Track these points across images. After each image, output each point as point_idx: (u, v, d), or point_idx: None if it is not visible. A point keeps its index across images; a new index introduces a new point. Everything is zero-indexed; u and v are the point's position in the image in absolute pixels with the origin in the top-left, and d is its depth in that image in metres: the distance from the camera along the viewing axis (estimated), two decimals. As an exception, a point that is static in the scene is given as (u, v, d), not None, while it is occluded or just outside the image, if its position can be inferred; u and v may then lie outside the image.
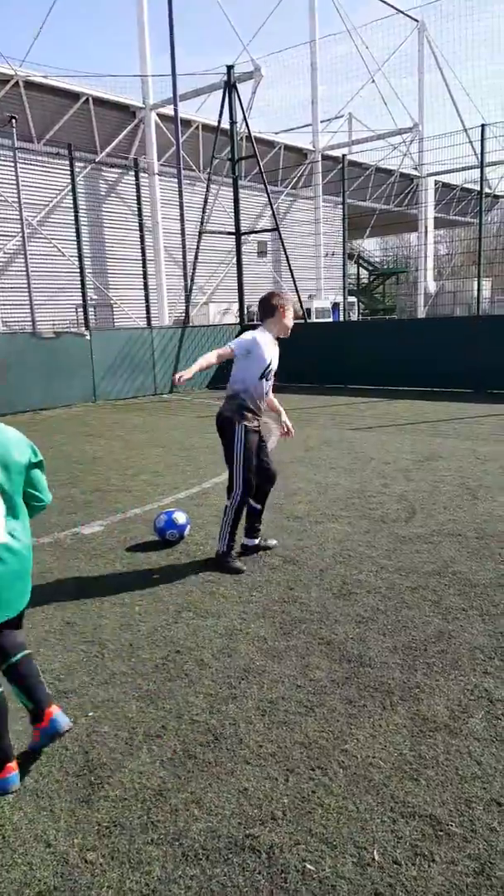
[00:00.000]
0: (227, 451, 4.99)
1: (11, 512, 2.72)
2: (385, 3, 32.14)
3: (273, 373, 5.00)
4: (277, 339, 5.02)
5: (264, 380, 4.92)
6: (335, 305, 30.79)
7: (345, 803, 2.53)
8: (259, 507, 5.23)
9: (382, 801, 2.54)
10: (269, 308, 4.90)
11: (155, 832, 2.42)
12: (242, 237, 19.30)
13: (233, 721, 3.06)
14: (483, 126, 15.02)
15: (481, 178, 15.62)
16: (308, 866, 2.25)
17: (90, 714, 3.15)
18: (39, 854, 2.34)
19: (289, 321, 4.94)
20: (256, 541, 5.27)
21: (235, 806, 2.54)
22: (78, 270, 15.43)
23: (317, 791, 2.60)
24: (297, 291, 18.66)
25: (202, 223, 18.30)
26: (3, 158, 20.89)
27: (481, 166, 15.42)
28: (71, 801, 2.59)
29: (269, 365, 4.91)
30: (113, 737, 2.98)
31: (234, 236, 19.05)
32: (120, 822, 2.47)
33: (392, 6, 31.97)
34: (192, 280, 18.88)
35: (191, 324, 18.47)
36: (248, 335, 4.89)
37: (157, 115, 26.06)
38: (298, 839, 2.37)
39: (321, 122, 33.00)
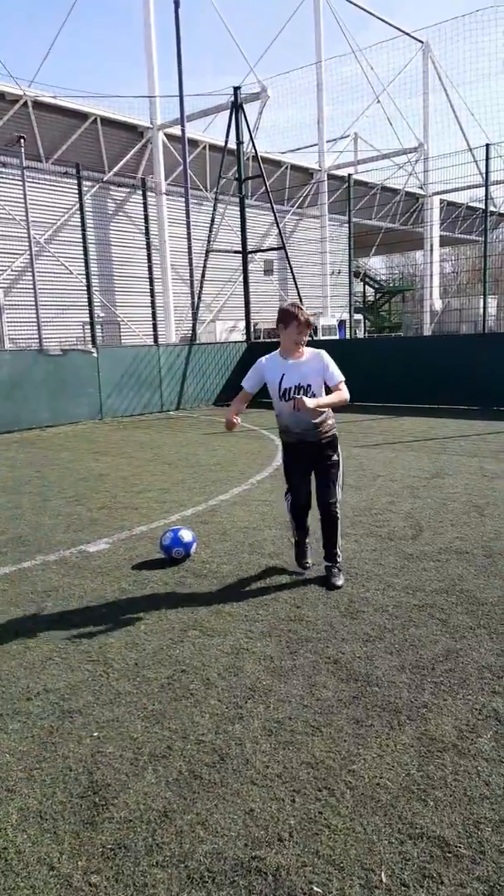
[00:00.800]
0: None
1: None
2: (390, 24, 32.51)
3: (297, 389, 4.73)
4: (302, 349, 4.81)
5: (284, 400, 4.79)
6: (341, 323, 30.90)
7: (352, 824, 2.50)
8: (325, 535, 5.04)
9: (390, 823, 2.51)
10: (277, 324, 4.79)
11: (160, 854, 2.40)
12: (249, 255, 19.41)
13: (239, 741, 3.03)
14: (488, 146, 15.14)
15: (486, 196, 15.71)
16: (315, 889, 2.22)
17: (95, 734, 3.13)
18: (43, 877, 2.32)
19: (290, 334, 4.70)
20: (327, 563, 5.02)
21: (241, 827, 2.51)
22: (85, 288, 15.53)
23: (324, 812, 2.57)
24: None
25: (209, 242, 18.43)
26: (11, 177, 21.13)
27: (486, 185, 15.52)
28: (75, 823, 2.57)
29: (281, 383, 4.75)
30: (118, 757, 2.96)
31: (240, 255, 19.17)
32: (125, 844, 2.45)
33: (397, 28, 32.34)
34: (198, 298, 18.97)
35: (197, 341, 18.54)
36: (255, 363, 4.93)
37: (165, 135, 26.33)
38: (305, 861, 2.34)
39: (327, 141, 33.28)
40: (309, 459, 4.99)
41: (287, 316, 4.67)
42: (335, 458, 4.97)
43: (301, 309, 4.69)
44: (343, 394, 4.71)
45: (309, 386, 4.73)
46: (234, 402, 4.96)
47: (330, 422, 4.95)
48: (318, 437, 4.89)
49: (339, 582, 4.86)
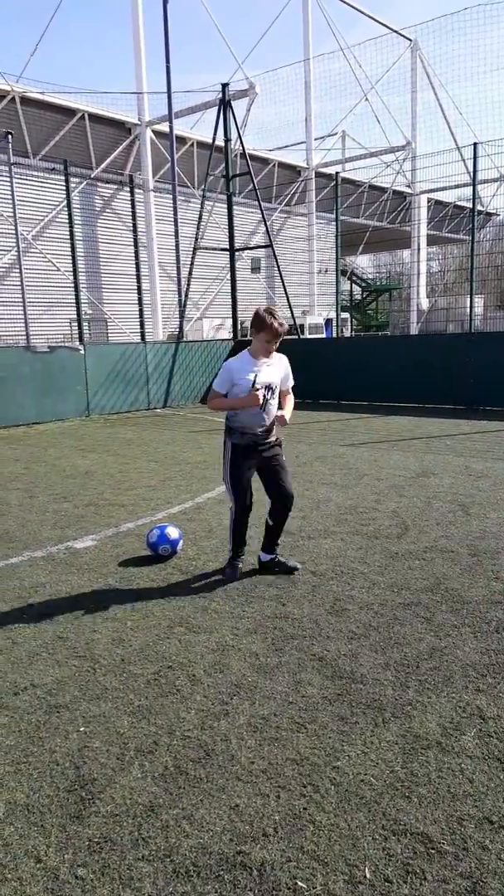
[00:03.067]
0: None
1: None
2: (379, 22, 32.55)
3: (267, 389, 4.83)
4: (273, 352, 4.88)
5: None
6: (328, 321, 30.96)
7: (336, 820, 2.53)
8: (271, 522, 5.13)
9: (374, 819, 2.53)
10: (251, 327, 4.78)
11: (146, 848, 2.41)
12: (236, 253, 19.41)
13: (224, 737, 3.05)
14: (475, 144, 15.21)
15: (473, 195, 15.79)
16: (299, 883, 2.24)
17: (81, 729, 3.14)
18: (30, 869, 2.33)
19: (261, 340, 4.74)
20: (271, 556, 5.18)
21: (227, 822, 2.53)
22: (73, 285, 15.49)
23: (308, 808, 2.60)
24: (290, 307, 18.76)
25: (197, 239, 18.41)
26: (-2, 173, 21.00)
27: (473, 184, 15.59)
28: (62, 817, 2.58)
29: (255, 381, 4.76)
30: (104, 752, 2.97)
31: (228, 252, 19.16)
32: (111, 838, 2.46)
33: (386, 25, 32.39)
34: (186, 295, 18.96)
35: (185, 339, 18.52)
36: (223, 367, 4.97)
37: (153, 131, 26.27)
38: (290, 856, 2.36)
39: (315, 139, 33.32)
40: (257, 461, 5.02)
41: (260, 323, 4.70)
42: (283, 456, 5.16)
43: (275, 318, 4.69)
44: (292, 400, 5.16)
45: (276, 386, 4.94)
46: (217, 400, 4.94)
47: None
48: (269, 438, 5.02)
49: (295, 564, 5.19)
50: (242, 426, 4.94)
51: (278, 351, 4.94)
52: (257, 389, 4.76)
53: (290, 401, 5.10)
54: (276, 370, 4.92)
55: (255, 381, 4.77)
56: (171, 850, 2.40)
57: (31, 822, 2.56)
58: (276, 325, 4.67)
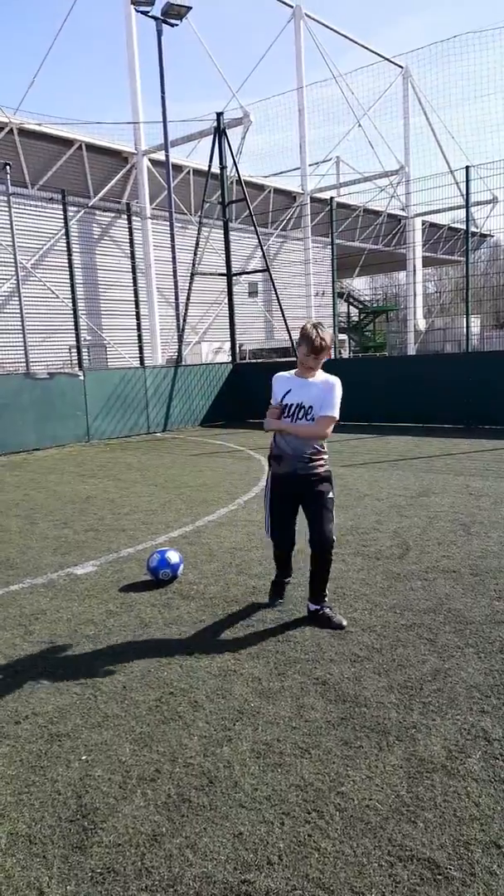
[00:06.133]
0: None
1: None
2: (370, 50, 33.03)
3: (299, 408, 4.42)
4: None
5: (286, 418, 4.48)
6: (327, 344, 31.01)
7: (341, 847, 2.50)
8: (311, 567, 4.66)
9: (380, 845, 2.50)
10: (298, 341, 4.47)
11: (149, 878, 2.38)
12: (234, 278, 19.54)
13: (227, 764, 3.03)
14: (468, 168, 15.35)
15: (467, 217, 15.93)
16: (305, 912, 2.21)
17: (83, 758, 3.12)
18: (31, 904, 2.30)
19: (300, 354, 4.44)
20: (316, 607, 4.64)
21: (231, 851, 2.50)
22: (71, 312, 15.57)
23: (313, 835, 2.57)
24: (287, 330, 18.84)
25: (194, 265, 18.53)
26: (-3, 203, 21.18)
27: (467, 206, 15.73)
28: (64, 847, 2.55)
29: (284, 398, 4.45)
30: (106, 781, 2.94)
31: (225, 277, 19.29)
32: (114, 869, 2.43)
33: (377, 53, 32.83)
34: (184, 320, 19.04)
35: (183, 363, 18.59)
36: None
37: (149, 160, 26.54)
38: (295, 884, 2.33)
39: (309, 165, 33.64)
40: (296, 495, 4.63)
41: (302, 335, 4.39)
42: (329, 495, 4.58)
43: (317, 330, 4.35)
44: (316, 428, 4.41)
45: (311, 407, 4.41)
46: (271, 415, 4.53)
47: (324, 457, 4.59)
48: (308, 471, 4.53)
49: (341, 621, 4.52)
50: (281, 452, 4.57)
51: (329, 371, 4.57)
52: (276, 407, 4.45)
53: (311, 425, 4.43)
54: (314, 390, 4.44)
55: (283, 398, 4.45)
56: (174, 880, 2.36)
57: (32, 853, 2.53)
58: (314, 336, 4.31)
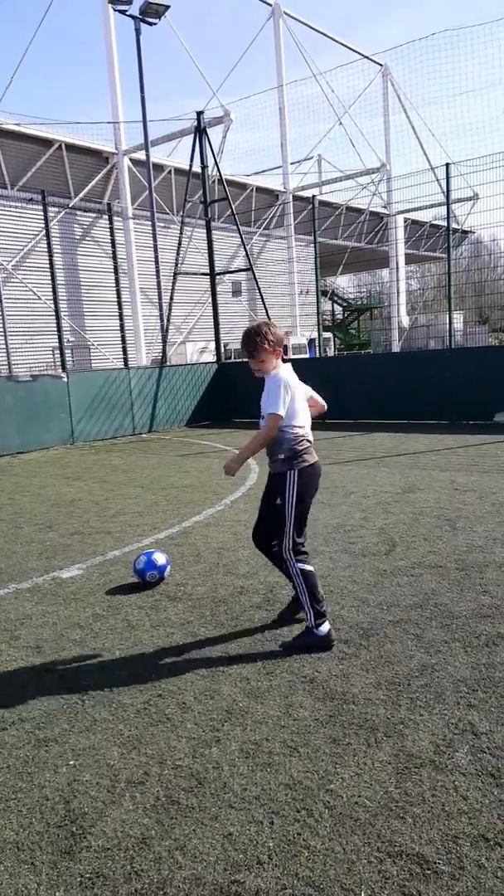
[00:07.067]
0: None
1: None
2: (349, 48, 33.09)
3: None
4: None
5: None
6: (311, 342, 31.12)
7: (331, 845, 2.50)
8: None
9: (369, 841, 2.51)
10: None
11: (139, 882, 2.37)
12: (217, 277, 19.52)
13: (216, 765, 3.02)
14: (448, 165, 15.42)
15: (448, 214, 16.00)
16: (295, 912, 2.21)
17: (71, 763, 3.10)
18: (20, 910, 2.28)
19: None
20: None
21: (220, 851, 2.50)
22: (54, 313, 15.50)
23: (302, 833, 2.57)
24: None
25: (177, 265, 18.51)
26: (-23, 205, 21.07)
27: (447, 203, 15.81)
28: (52, 853, 2.54)
29: None
30: (95, 785, 2.93)
31: (208, 277, 19.27)
32: (103, 873, 2.42)
33: (356, 51, 32.92)
34: (167, 320, 19.01)
35: (168, 363, 18.55)
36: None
37: (130, 160, 26.50)
38: (285, 883, 2.33)
39: (291, 163, 33.70)
40: (267, 489, 4.46)
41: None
42: (278, 501, 4.24)
43: (245, 334, 4.19)
44: (259, 433, 4.10)
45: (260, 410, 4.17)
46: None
47: (280, 456, 4.20)
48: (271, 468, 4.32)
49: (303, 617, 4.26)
50: (310, 443, 4.32)
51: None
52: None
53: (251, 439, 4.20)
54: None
55: None
56: (164, 883, 2.36)
57: (20, 860, 2.51)
58: (254, 335, 4.16)
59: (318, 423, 4.76)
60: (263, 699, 3.57)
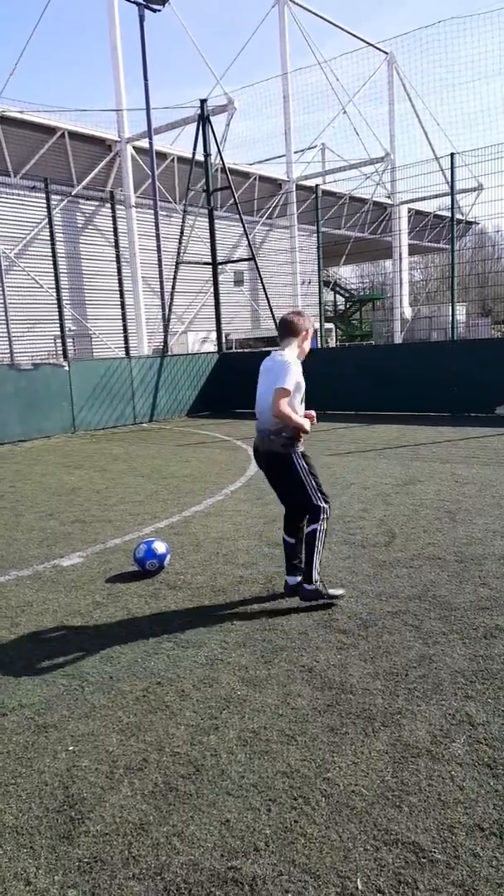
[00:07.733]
0: (292, 482, 4.59)
1: None
2: (355, 36, 32.85)
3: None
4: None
5: (303, 404, 4.58)
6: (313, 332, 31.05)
7: (327, 832, 2.52)
8: (293, 540, 4.86)
9: (365, 829, 2.53)
10: (293, 328, 4.57)
11: (136, 867, 2.39)
12: (219, 267, 19.47)
13: (214, 752, 3.04)
14: (453, 155, 15.34)
15: (452, 205, 15.92)
16: (291, 898, 2.23)
17: (70, 748, 3.12)
18: (20, 892, 2.31)
19: (307, 346, 4.64)
20: (298, 578, 4.78)
21: (217, 838, 2.52)
22: (56, 302, 15.48)
23: (299, 821, 2.59)
24: (273, 319, 18.81)
25: (179, 254, 18.46)
26: (-21, 193, 21.00)
27: (452, 194, 15.72)
28: (51, 838, 2.56)
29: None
30: (93, 771, 2.95)
31: (210, 266, 19.22)
32: (101, 858, 2.44)
33: (362, 39, 32.66)
34: (169, 310, 18.98)
35: (170, 353, 18.53)
36: (294, 366, 4.44)
37: (133, 147, 26.35)
38: (281, 870, 2.35)
39: (295, 152, 33.48)
40: (264, 470, 4.75)
41: (310, 323, 4.69)
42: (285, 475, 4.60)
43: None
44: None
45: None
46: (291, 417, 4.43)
47: (285, 434, 4.48)
48: (266, 446, 4.57)
49: (307, 588, 4.60)
50: (299, 434, 4.55)
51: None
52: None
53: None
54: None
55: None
56: (161, 868, 2.38)
57: (20, 844, 2.54)
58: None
59: (319, 414, 4.85)
60: (262, 688, 3.59)
